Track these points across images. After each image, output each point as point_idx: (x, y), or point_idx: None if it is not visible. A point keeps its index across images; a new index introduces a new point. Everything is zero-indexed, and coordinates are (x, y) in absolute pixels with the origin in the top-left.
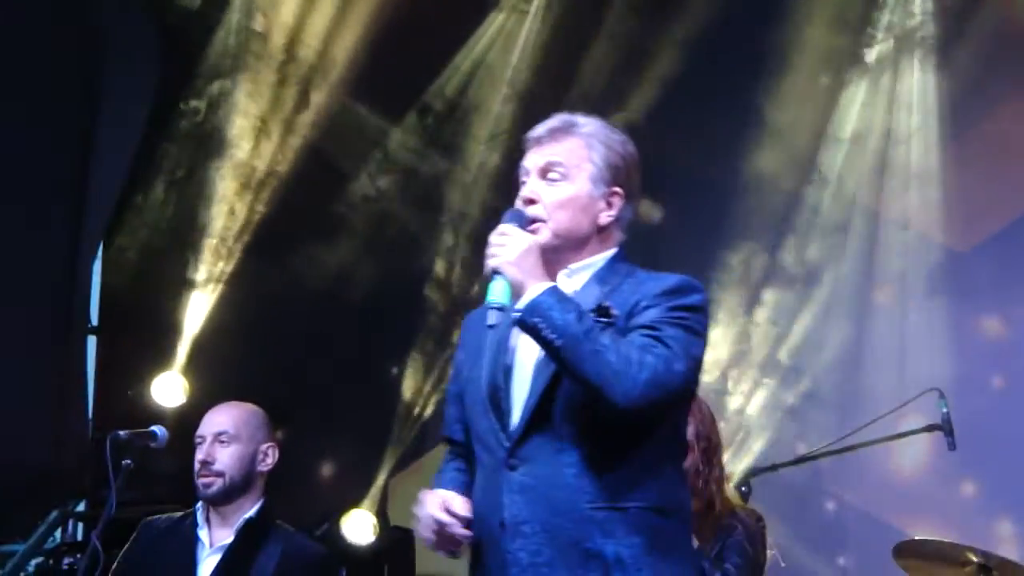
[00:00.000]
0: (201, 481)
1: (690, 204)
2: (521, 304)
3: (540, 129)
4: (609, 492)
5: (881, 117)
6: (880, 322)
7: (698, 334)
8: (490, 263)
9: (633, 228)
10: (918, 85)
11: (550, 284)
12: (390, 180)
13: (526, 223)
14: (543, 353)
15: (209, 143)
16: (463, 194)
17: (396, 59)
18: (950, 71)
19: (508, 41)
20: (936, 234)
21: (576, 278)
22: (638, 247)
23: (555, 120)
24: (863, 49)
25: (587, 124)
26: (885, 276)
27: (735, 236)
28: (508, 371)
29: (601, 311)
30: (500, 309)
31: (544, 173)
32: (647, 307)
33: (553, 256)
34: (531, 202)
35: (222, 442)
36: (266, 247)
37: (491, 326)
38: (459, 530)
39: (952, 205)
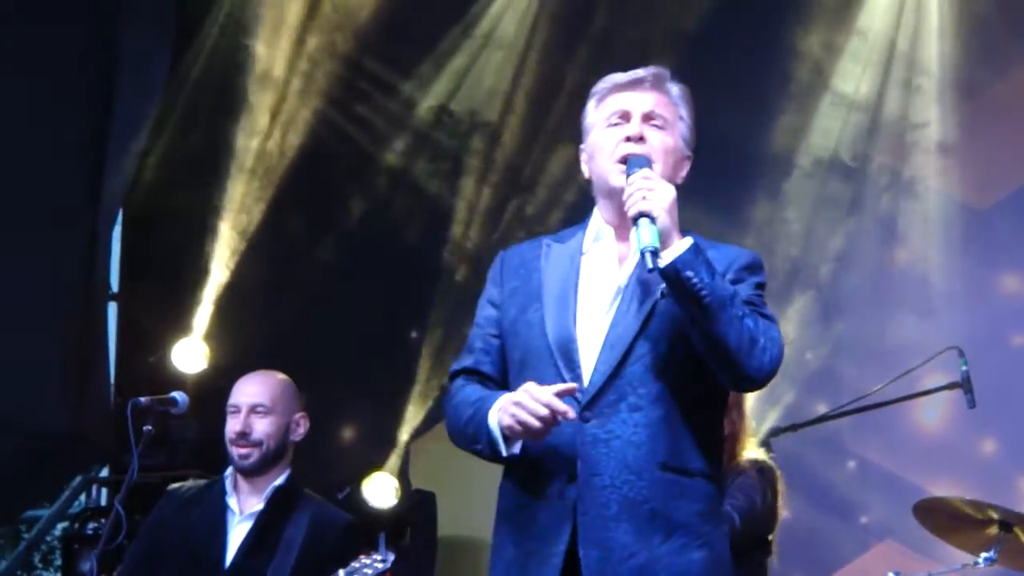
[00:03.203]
0: (238, 451)
1: (711, 158)
2: (671, 254)
3: (639, 73)
4: (679, 456)
5: (900, 73)
6: (900, 280)
7: None
8: (640, 206)
9: None
10: (937, 39)
11: (692, 240)
12: (411, 144)
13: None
14: (620, 308)
15: (228, 104)
16: (485, 160)
17: (415, 16)
18: (970, 24)
19: None
20: (955, 192)
21: None
22: None
23: (653, 70)
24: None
25: (677, 84)
26: (905, 234)
27: (755, 194)
28: (575, 321)
29: None
30: (654, 253)
31: (649, 118)
32: (735, 280)
33: None
34: (641, 140)
35: (258, 413)
36: (285, 215)
37: (651, 270)
38: (571, 414)
39: (971, 162)
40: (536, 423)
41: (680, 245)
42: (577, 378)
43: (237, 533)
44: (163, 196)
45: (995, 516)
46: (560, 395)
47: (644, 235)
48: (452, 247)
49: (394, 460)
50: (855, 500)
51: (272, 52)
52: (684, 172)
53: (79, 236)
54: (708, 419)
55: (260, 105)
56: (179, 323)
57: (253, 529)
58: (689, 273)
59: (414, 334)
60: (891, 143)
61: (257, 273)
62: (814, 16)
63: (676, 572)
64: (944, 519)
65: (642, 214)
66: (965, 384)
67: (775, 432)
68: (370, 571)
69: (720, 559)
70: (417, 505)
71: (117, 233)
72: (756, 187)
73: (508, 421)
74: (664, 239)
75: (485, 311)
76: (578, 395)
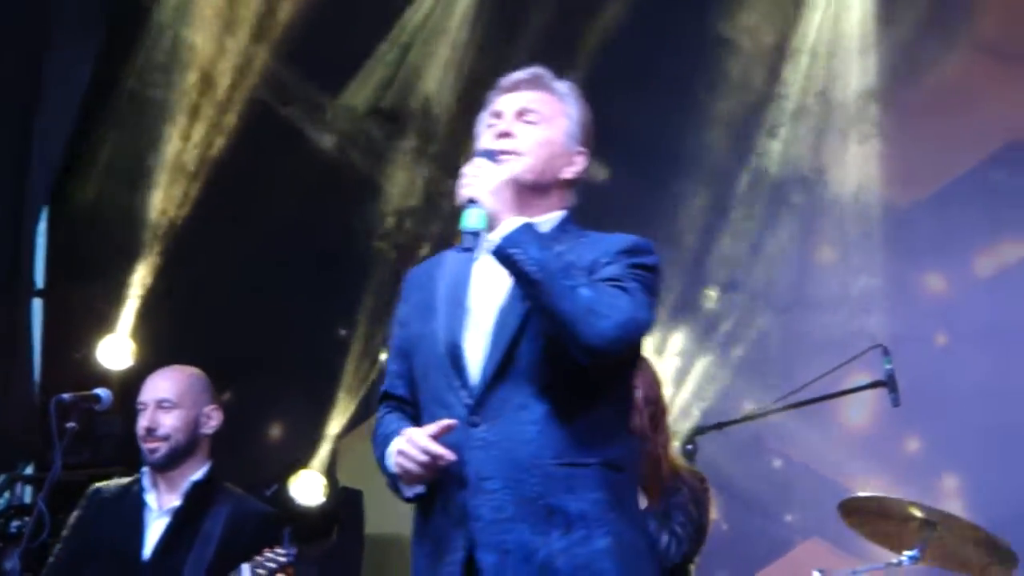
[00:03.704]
0: (146, 447)
1: (637, 162)
2: (498, 235)
3: (518, 75)
4: (571, 448)
5: (823, 72)
6: (824, 279)
7: (654, 294)
8: (465, 192)
9: (580, 188)
10: (859, 39)
11: (526, 219)
12: (341, 139)
13: (496, 160)
14: (503, 308)
15: (154, 105)
16: (413, 157)
17: (340, 22)
18: (892, 26)
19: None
20: (880, 191)
21: None
22: (585, 208)
23: (532, 70)
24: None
25: (564, 84)
26: (829, 233)
27: (682, 195)
28: (464, 327)
29: None
30: (475, 235)
31: (521, 115)
32: (607, 263)
33: (516, 199)
34: (507, 135)
35: (164, 408)
36: (213, 213)
37: (467, 249)
38: (450, 456)
39: (895, 162)
40: (419, 469)
41: (508, 224)
42: (466, 384)
43: (155, 529)
44: (92, 194)
45: (919, 514)
46: (437, 435)
47: (467, 218)
48: (381, 245)
49: (321, 458)
50: (780, 498)
51: (202, 53)
52: (576, 167)
53: (4, 232)
54: (603, 408)
55: (190, 105)
56: (105, 320)
57: (170, 525)
58: (515, 250)
59: (342, 331)
60: (814, 142)
61: (184, 270)
62: (738, 15)
63: (579, 564)
64: (869, 517)
65: (469, 200)
66: (889, 382)
67: (700, 431)
68: (273, 564)
69: (627, 544)
70: (344, 503)
71: (43, 230)
72: (677, 186)
73: (397, 470)
74: (492, 221)
75: (395, 330)
76: (466, 400)
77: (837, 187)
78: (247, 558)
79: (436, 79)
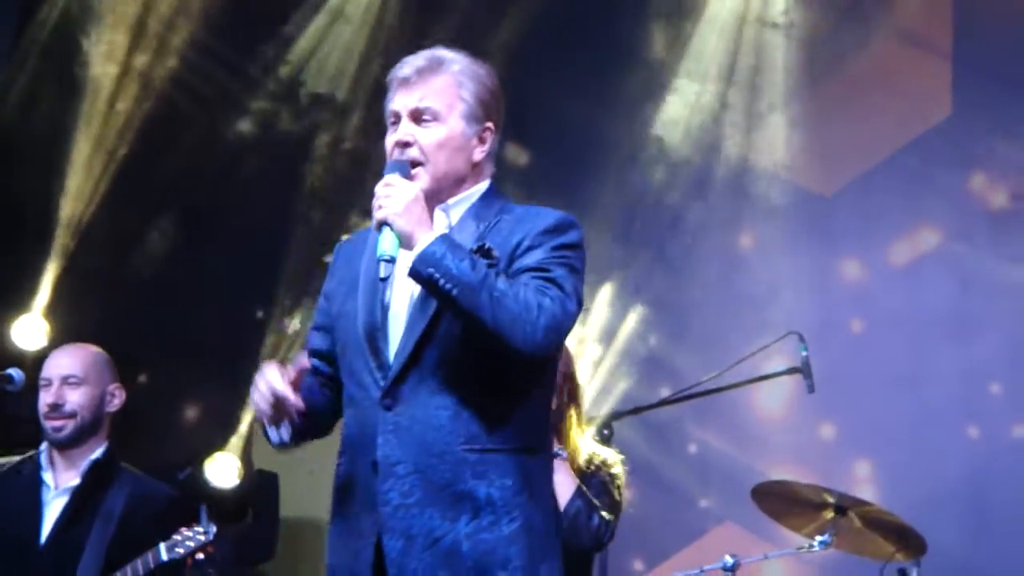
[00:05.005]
0: (51, 424)
1: (558, 144)
2: (413, 255)
3: (407, 69)
4: (482, 434)
5: (746, 62)
6: (742, 265)
7: (580, 272)
8: (377, 215)
9: (501, 172)
10: (783, 28)
11: (440, 232)
12: (259, 122)
13: (408, 170)
14: (419, 292)
15: (68, 84)
16: (333, 139)
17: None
18: (810, 11)
19: None
20: (798, 178)
21: (452, 212)
22: (508, 191)
23: (422, 58)
24: None
25: (455, 60)
26: (748, 220)
27: (601, 179)
28: (385, 309)
29: (483, 252)
30: (390, 261)
31: (417, 115)
32: (530, 247)
33: (431, 197)
34: (407, 144)
35: (71, 384)
36: (129, 192)
37: (383, 279)
38: (297, 403)
39: (815, 149)
40: (264, 406)
41: (423, 242)
42: (383, 365)
43: (53, 508)
44: (3, 172)
45: (831, 500)
46: (294, 377)
47: (382, 243)
48: (299, 227)
49: (236, 441)
50: (695, 484)
51: (114, 33)
52: (485, 146)
53: None
54: (521, 393)
55: (101, 84)
56: (19, 299)
57: (69, 503)
58: (430, 270)
59: (260, 313)
60: (737, 131)
61: (99, 250)
62: (664, 4)
63: (485, 549)
64: (782, 502)
65: (382, 223)
66: (805, 369)
67: (617, 415)
68: (192, 543)
69: (536, 530)
70: (259, 486)
71: None
72: (602, 172)
73: (253, 407)
74: (406, 242)
75: (319, 303)
76: (380, 382)
77: (758, 175)
78: (151, 539)
79: (351, 61)
